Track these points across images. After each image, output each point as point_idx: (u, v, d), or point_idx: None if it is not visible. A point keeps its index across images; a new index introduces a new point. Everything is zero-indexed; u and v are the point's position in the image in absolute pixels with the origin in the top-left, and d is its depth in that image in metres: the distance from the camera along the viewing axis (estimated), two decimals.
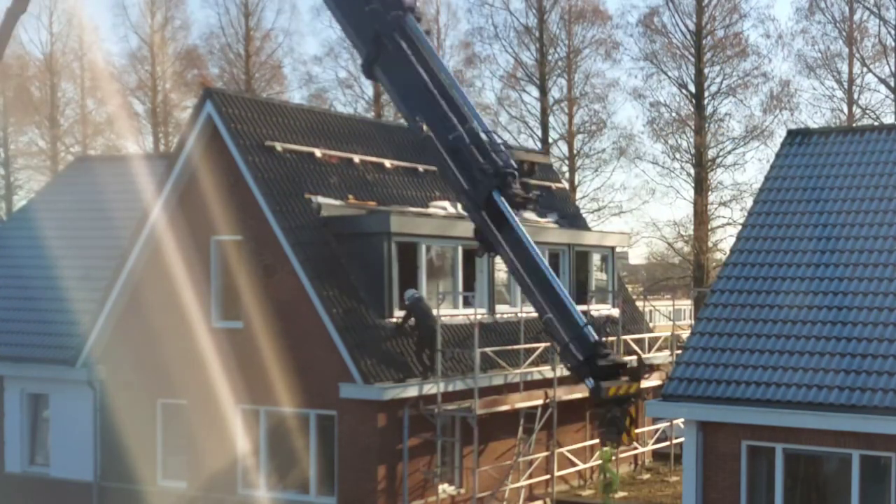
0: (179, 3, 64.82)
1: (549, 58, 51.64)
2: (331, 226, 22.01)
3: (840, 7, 47.97)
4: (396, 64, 14.51)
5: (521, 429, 22.88)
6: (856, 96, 48.41)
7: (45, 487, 24.45)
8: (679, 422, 22.95)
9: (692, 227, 49.95)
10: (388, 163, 25.12)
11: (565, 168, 52.07)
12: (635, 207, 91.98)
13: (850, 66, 47.87)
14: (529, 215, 28.11)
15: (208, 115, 22.11)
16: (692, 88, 49.19)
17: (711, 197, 50.10)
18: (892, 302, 17.29)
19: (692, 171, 49.74)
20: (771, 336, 17.53)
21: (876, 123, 42.17)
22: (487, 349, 22.40)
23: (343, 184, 23.54)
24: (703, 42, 48.83)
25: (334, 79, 56.06)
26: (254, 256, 21.84)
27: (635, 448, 27.50)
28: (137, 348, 23.26)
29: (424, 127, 14.36)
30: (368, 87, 54.50)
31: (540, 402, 22.89)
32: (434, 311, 21.45)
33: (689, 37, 49.15)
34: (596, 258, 28.34)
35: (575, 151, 52.59)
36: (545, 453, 24.11)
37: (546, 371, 23.41)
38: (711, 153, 49.73)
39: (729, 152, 50.24)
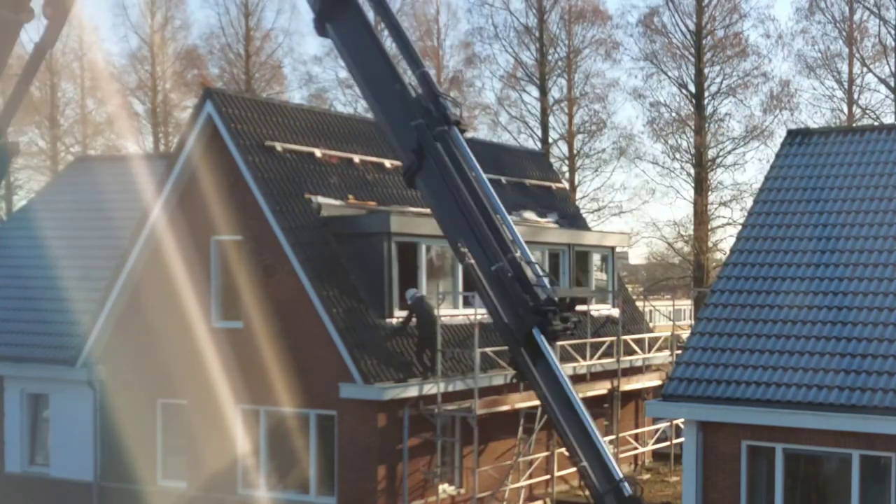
0: (179, 3, 64.94)
1: (549, 58, 51.62)
2: (331, 226, 22.02)
3: (840, 7, 47.97)
4: (438, 181, 14.21)
5: (521, 429, 22.89)
6: (856, 96, 48.40)
7: (45, 487, 24.45)
8: (679, 422, 22.96)
9: (692, 227, 49.91)
10: (388, 163, 25.13)
11: (565, 168, 52.07)
12: (635, 207, 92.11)
13: (850, 66, 47.86)
14: (529, 215, 28.17)
15: (208, 115, 22.11)
16: (692, 88, 49.17)
17: (711, 197, 50.09)
18: (892, 302, 17.30)
19: (692, 171, 49.71)
20: (771, 336, 17.54)
21: (876, 123, 42.17)
22: (487, 349, 22.39)
23: (343, 184, 23.54)
24: (703, 42, 48.79)
25: (334, 79, 56.09)
26: (254, 256, 21.84)
27: (635, 448, 27.53)
28: (137, 348, 23.26)
29: (468, 256, 14.02)
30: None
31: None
32: (435, 311, 21.46)
33: (689, 37, 49.13)
34: (596, 258, 28.35)
35: (575, 151, 52.57)
36: (545, 453, 24.12)
37: None
38: (711, 153, 49.70)
39: (729, 152, 50.22)
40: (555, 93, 52.06)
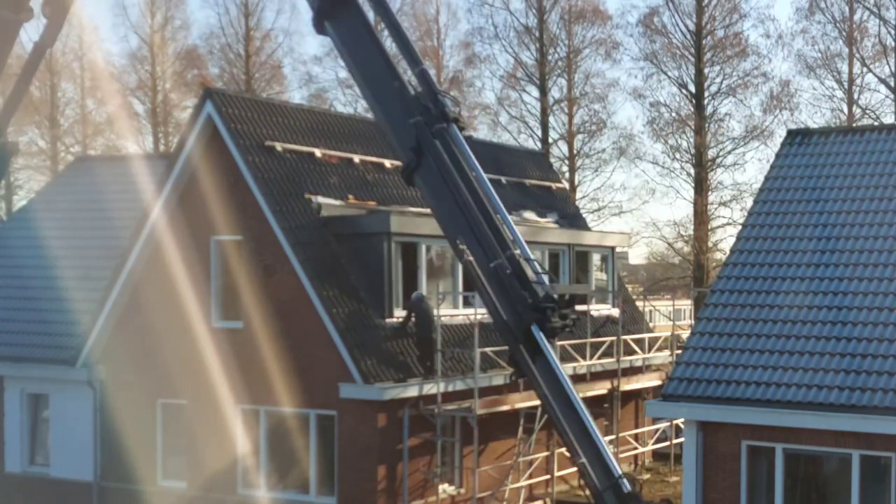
0: (179, 3, 64.94)
1: (549, 58, 51.61)
2: (331, 226, 22.02)
3: (840, 7, 47.96)
4: (437, 179, 14.20)
5: (521, 429, 22.89)
6: (856, 96, 48.39)
7: (45, 487, 24.45)
8: (679, 422, 22.96)
9: (692, 227, 49.91)
10: (388, 163, 25.13)
11: (565, 168, 52.06)
12: (635, 207, 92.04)
13: (850, 66, 47.85)
14: (529, 215, 28.17)
15: (208, 115, 22.11)
16: (692, 88, 49.17)
17: (711, 197, 50.08)
18: (892, 302, 17.30)
19: (692, 171, 49.71)
20: (771, 336, 17.54)
21: (876, 123, 42.17)
22: (487, 349, 22.39)
23: (343, 184, 23.54)
24: (703, 42, 48.78)
25: (334, 79, 56.09)
26: (254, 256, 21.84)
27: (635, 448, 27.54)
28: (137, 348, 23.26)
29: (467, 253, 13.94)
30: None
31: (539, 402, 22.85)
32: (435, 312, 21.46)
33: (689, 37, 49.12)
34: (596, 258, 28.36)
35: (575, 151, 52.56)
36: (545, 453, 24.12)
37: None
38: (711, 153, 49.70)
39: (729, 152, 50.21)
40: (555, 93, 52.11)
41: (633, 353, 27.16)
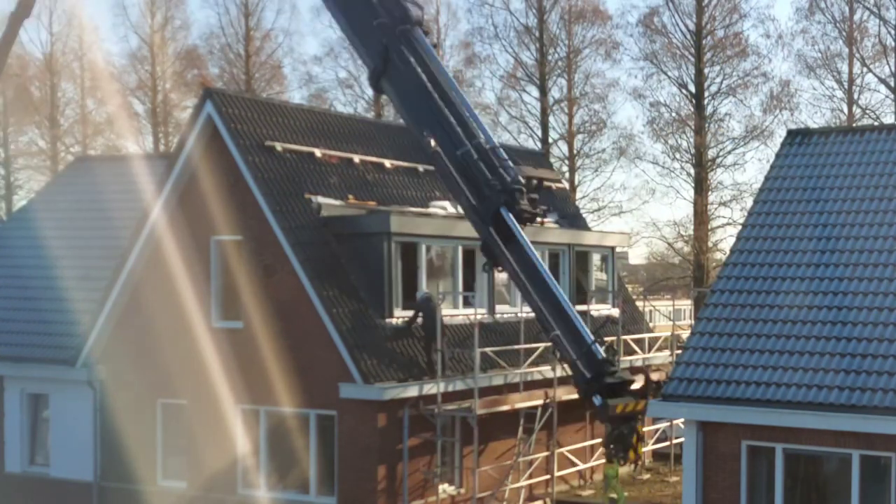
0: (179, 3, 64.94)
1: (549, 58, 51.64)
2: (331, 226, 22.01)
3: (840, 7, 48.01)
4: (404, 78, 14.48)
5: (521, 429, 22.88)
6: (856, 96, 48.42)
7: (45, 487, 24.45)
8: (679, 422, 22.95)
9: (692, 227, 49.94)
10: (388, 163, 25.13)
11: (565, 168, 52.08)
12: (635, 207, 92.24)
13: (850, 66, 47.88)
14: None
15: (208, 115, 22.11)
16: (692, 88, 49.20)
17: (711, 197, 50.11)
18: (892, 302, 17.29)
19: (692, 171, 49.73)
20: (771, 336, 17.53)
21: (876, 123, 42.17)
22: (487, 349, 22.40)
23: (343, 184, 23.54)
24: (703, 42, 48.82)
25: (334, 79, 56.14)
26: (254, 256, 21.84)
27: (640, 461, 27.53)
28: (137, 348, 23.26)
29: (433, 142, 14.16)
30: (368, 87, 54.43)
31: (540, 402, 22.89)
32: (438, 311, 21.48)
33: (689, 37, 49.15)
34: (596, 258, 28.35)
35: (575, 151, 52.59)
36: (545, 453, 24.11)
37: (546, 371, 23.40)
38: (711, 153, 49.72)
39: (729, 152, 50.26)
40: (555, 93, 52.15)
41: (633, 353, 27.15)
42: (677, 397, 17.28)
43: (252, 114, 22.66)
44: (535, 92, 51.97)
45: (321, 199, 22.35)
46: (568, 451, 24.81)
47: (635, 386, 17.12)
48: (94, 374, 23.63)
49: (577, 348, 13.42)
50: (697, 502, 17.19)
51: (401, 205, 24.19)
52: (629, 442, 14.52)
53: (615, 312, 28.06)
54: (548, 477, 24.34)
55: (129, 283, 23.34)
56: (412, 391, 20.72)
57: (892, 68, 47.16)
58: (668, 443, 27.85)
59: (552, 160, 48.02)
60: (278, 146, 22.52)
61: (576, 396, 24.00)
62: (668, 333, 28.51)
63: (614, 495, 18.65)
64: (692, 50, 48.83)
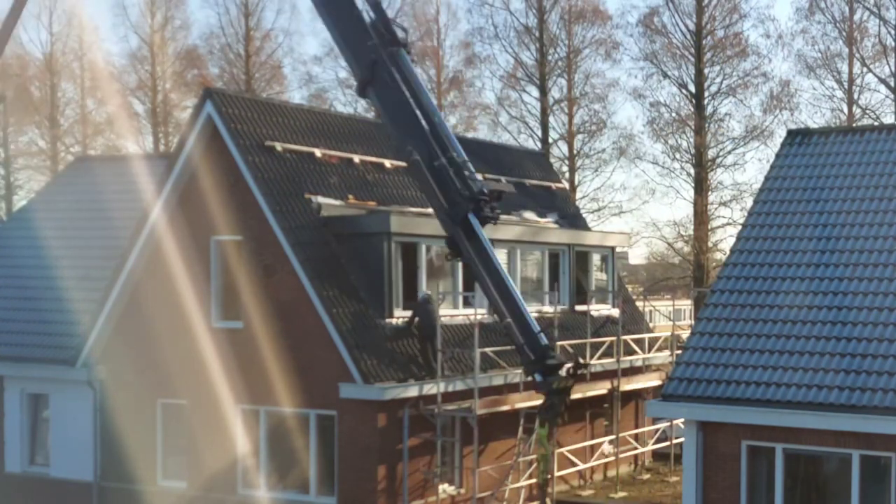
0: (179, 3, 64.83)
1: (549, 58, 51.62)
2: (331, 226, 22.02)
3: (840, 7, 47.98)
4: (390, 90, 16.73)
5: (521, 429, 22.88)
6: (856, 96, 48.39)
7: (45, 487, 24.45)
8: (679, 422, 22.96)
9: (692, 227, 49.93)
10: (388, 163, 25.13)
11: (565, 168, 52.06)
12: (635, 207, 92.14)
13: (850, 66, 47.86)
14: (529, 215, 28.19)
15: (208, 115, 22.11)
16: (692, 88, 49.18)
17: (711, 197, 50.10)
18: (892, 302, 17.29)
19: (692, 171, 49.72)
20: (771, 336, 17.53)
21: (876, 123, 42.17)
22: (487, 349, 22.40)
23: (343, 184, 23.54)
24: (703, 42, 48.80)
25: (334, 79, 56.10)
26: (254, 256, 21.84)
27: (635, 448, 27.53)
28: (137, 348, 23.26)
29: (412, 151, 17.19)
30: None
31: (540, 402, 22.86)
32: (436, 312, 21.48)
33: (689, 37, 49.14)
34: (596, 258, 28.36)
35: (575, 151, 52.58)
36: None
37: None
38: (711, 153, 49.71)
39: (729, 152, 50.24)
40: (555, 93, 52.13)
41: (633, 353, 27.16)
42: (677, 397, 17.28)
43: (252, 114, 22.66)
44: (535, 92, 51.99)
45: (321, 199, 22.36)
46: (568, 451, 24.81)
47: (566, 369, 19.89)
48: (94, 374, 23.63)
49: (525, 336, 16.49)
50: (697, 502, 17.19)
51: (401, 205, 24.19)
52: (559, 410, 17.90)
53: (615, 312, 28.06)
54: (548, 477, 24.30)
55: (129, 283, 23.34)
56: (412, 391, 20.73)
57: (892, 68, 47.17)
58: (668, 443, 27.86)
59: (552, 160, 48.01)
60: (278, 146, 22.52)
61: (576, 396, 24.17)
62: (668, 333, 28.52)
63: (543, 451, 19.90)
64: (692, 50, 48.83)
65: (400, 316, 21.92)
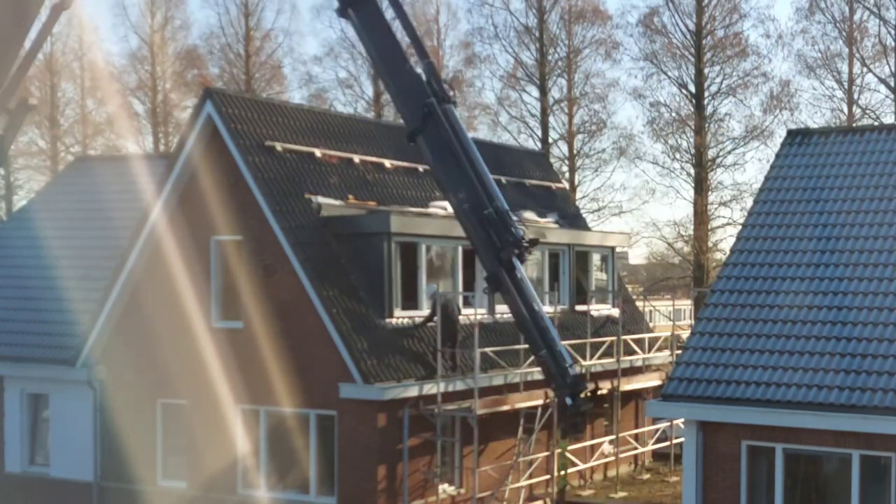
0: (179, 3, 64.85)
1: (549, 58, 51.63)
2: (331, 226, 22.02)
3: (840, 7, 47.98)
4: (441, 140, 18.28)
5: (521, 429, 22.88)
6: (856, 96, 48.39)
7: (45, 487, 24.46)
8: (679, 422, 22.97)
9: (692, 227, 49.93)
10: (388, 163, 25.13)
11: (565, 168, 52.06)
12: (635, 207, 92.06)
13: (850, 66, 47.86)
14: (529, 215, 28.18)
15: (208, 115, 22.11)
16: (692, 88, 49.18)
17: (711, 197, 50.10)
18: (892, 302, 17.29)
19: (692, 171, 49.72)
20: (771, 336, 17.53)
21: (876, 123, 42.16)
22: (487, 349, 22.40)
23: (343, 184, 23.54)
24: (703, 42, 48.81)
25: (334, 79, 56.12)
26: (254, 256, 21.84)
27: (635, 448, 27.54)
28: (137, 348, 23.26)
29: (464, 199, 18.80)
30: (368, 87, 54.59)
31: (540, 402, 22.88)
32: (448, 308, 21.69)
33: (689, 37, 49.14)
34: (596, 258, 28.36)
35: (575, 151, 52.58)
36: (545, 453, 24.11)
37: None
38: (711, 153, 49.71)
39: (729, 152, 50.24)
40: (555, 93, 52.13)
41: (633, 353, 27.16)
42: (677, 397, 17.28)
43: (252, 114, 22.66)
44: (535, 92, 52.00)
45: (321, 199, 22.36)
46: (568, 451, 24.80)
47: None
48: (94, 374, 23.63)
49: (558, 367, 18.24)
50: (697, 502, 17.19)
51: (401, 205, 24.19)
52: (582, 428, 19.66)
53: (615, 312, 28.06)
54: (548, 477, 24.35)
55: (129, 283, 23.34)
56: (412, 391, 20.73)
57: (892, 68, 47.17)
58: (668, 443, 27.86)
59: (552, 160, 48.00)
60: (278, 146, 22.52)
61: None
62: (668, 333, 28.52)
63: (565, 461, 20.84)
64: (692, 50, 48.83)
65: (400, 316, 21.93)
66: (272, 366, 21.14)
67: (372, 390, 20.09)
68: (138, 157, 33.14)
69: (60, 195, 29.04)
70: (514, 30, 52.09)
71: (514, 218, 18.49)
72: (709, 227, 49.79)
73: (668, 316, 42.69)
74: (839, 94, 48.56)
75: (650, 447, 28.71)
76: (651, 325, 34.14)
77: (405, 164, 25.50)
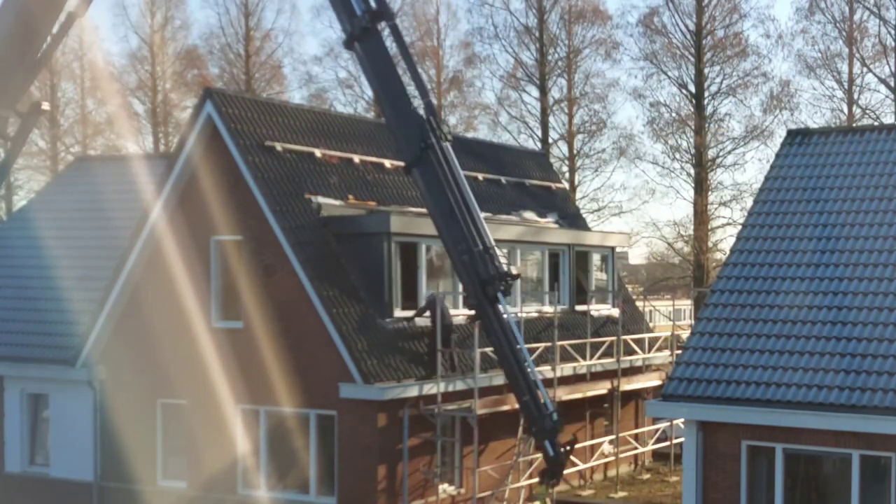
0: (179, 3, 64.90)
1: (549, 58, 51.62)
2: (331, 226, 22.02)
3: (840, 7, 47.97)
4: (435, 174, 18.79)
5: (521, 429, 22.87)
6: (856, 96, 48.38)
7: (45, 487, 24.45)
8: (679, 422, 22.97)
9: (692, 227, 49.93)
10: (388, 163, 25.13)
11: (565, 168, 52.06)
12: (635, 207, 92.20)
13: (850, 66, 47.85)
14: (529, 215, 28.20)
15: (208, 115, 22.11)
16: (692, 88, 49.17)
17: (711, 197, 50.09)
18: (892, 302, 17.30)
19: (692, 171, 49.72)
20: (771, 336, 17.53)
21: (876, 123, 42.16)
22: (487, 349, 22.39)
23: (343, 184, 23.54)
24: (703, 42, 48.80)
25: (334, 79, 56.12)
26: (254, 256, 21.84)
27: (635, 448, 27.54)
28: (137, 348, 23.26)
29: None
30: (368, 88, 54.52)
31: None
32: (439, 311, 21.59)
33: (689, 37, 49.13)
34: (596, 258, 28.35)
35: (575, 151, 52.58)
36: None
37: (546, 371, 23.40)
38: (711, 153, 49.71)
39: (729, 152, 50.23)
40: (555, 93, 52.13)
41: (633, 353, 27.15)
42: (677, 397, 17.28)
43: (252, 114, 22.66)
44: (535, 92, 51.99)
45: (321, 199, 22.36)
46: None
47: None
48: (94, 374, 23.63)
49: (539, 412, 18.67)
50: (697, 502, 17.20)
51: (401, 205, 24.19)
52: (560, 476, 19.85)
53: (615, 312, 28.05)
54: None
55: (129, 283, 23.34)
56: (412, 391, 20.73)
57: (892, 68, 47.17)
58: (668, 443, 27.86)
59: (552, 160, 47.99)
60: (278, 146, 22.52)
61: (576, 396, 24.24)
62: (668, 333, 28.52)
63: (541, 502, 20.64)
64: (692, 50, 48.83)
65: (400, 316, 21.92)
66: (272, 366, 21.14)
67: (372, 390, 20.09)
68: (138, 157, 33.14)
69: (60, 195, 29.04)
70: (514, 30, 52.15)
71: (498, 255, 19.13)
72: (709, 227, 49.79)
73: (668, 316, 42.70)
74: (839, 94, 48.61)
75: (650, 447, 28.70)
76: (651, 325, 34.14)
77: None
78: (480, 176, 27.88)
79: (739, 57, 49.01)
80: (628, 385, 26.43)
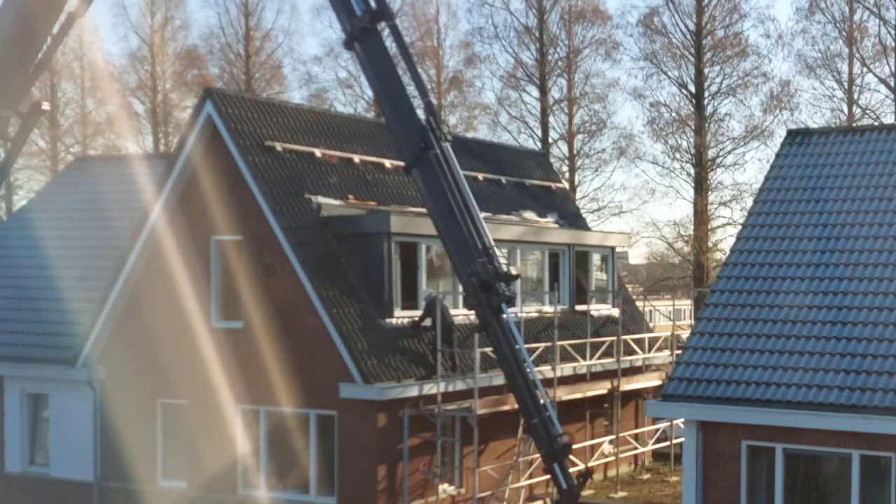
0: (179, 3, 64.89)
1: (549, 58, 51.63)
2: (331, 226, 22.02)
3: (840, 7, 47.97)
4: (434, 175, 18.50)
5: (521, 429, 22.87)
6: (856, 96, 48.38)
7: (45, 487, 24.45)
8: (679, 422, 22.97)
9: (692, 227, 49.93)
10: (388, 163, 25.13)
11: (565, 168, 52.07)
12: (635, 207, 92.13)
13: (850, 66, 47.85)
14: (529, 215, 28.19)
15: (208, 115, 22.11)
16: (692, 88, 49.18)
17: (711, 197, 50.10)
18: (892, 302, 17.29)
19: (692, 171, 49.72)
20: (771, 336, 17.53)
21: (876, 123, 42.16)
22: (487, 349, 22.37)
23: (343, 184, 23.54)
24: (703, 42, 48.80)
25: (334, 79, 56.13)
26: (254, 256, 21.84)
27: (635, 448, 27.54)
28: (137, 348, 23.26)
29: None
30: (368, 87, 54.50)
31: (540, 401, 22.84)
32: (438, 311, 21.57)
33: (689, 37, 49.14)
34: (596, 258, 28.36)
35: (575, 151, 52.58)
36: None
37: (546, 371, 23.41)
38: (711, 153, 49.71)
39: (729, 152, 50.24)
40: (555, 93, 52.13)
41: (633, 353, 27.15)
42: (677, 397, 17.28)
43: (252, 114, 22.66)
44: (535, 92, 52.00)
45: (321, 199, 22.36)
46: None
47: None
48: (94, 374, 23.63)
49: (549, 434, 17.84)
50: (697, 502, 17.19)
51: (401, 205, 24.19)
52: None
53: (615, 312, 28.06)
54: (548, 477, 24.30)
55: (129, 283, 23.34)
56: (412, 391, 20.73)
57: (892, 68, 47.16)
58: (668, 443, 27.86)
59: (552, 160, 47.99)
60: (278, 146, 22.53)
61: (576, 396, 24.21)
62: (668, 333, 28.52)
63: None
64: (692, 50, 48.82)
65: (400, 316, 21.92)
66: (272, 366, 21.14)
67: (372, 390, 20.09)
68: (138, 157, 33.14)
69: (60, 195, 29.04)
70: (514, 30, 52.15)
71: (497, 255, 18.73)
72: (709, 227, 49.79)
73: (668, 316, 42.70)
74: (839, 94, 48.61)
75: (650, 447, 28.70)
76: (651, 325, 34.14)
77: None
78: (480, 176, 27.88)
79: (739, 57, 49.04)
80: (628, 385, 26.43)
